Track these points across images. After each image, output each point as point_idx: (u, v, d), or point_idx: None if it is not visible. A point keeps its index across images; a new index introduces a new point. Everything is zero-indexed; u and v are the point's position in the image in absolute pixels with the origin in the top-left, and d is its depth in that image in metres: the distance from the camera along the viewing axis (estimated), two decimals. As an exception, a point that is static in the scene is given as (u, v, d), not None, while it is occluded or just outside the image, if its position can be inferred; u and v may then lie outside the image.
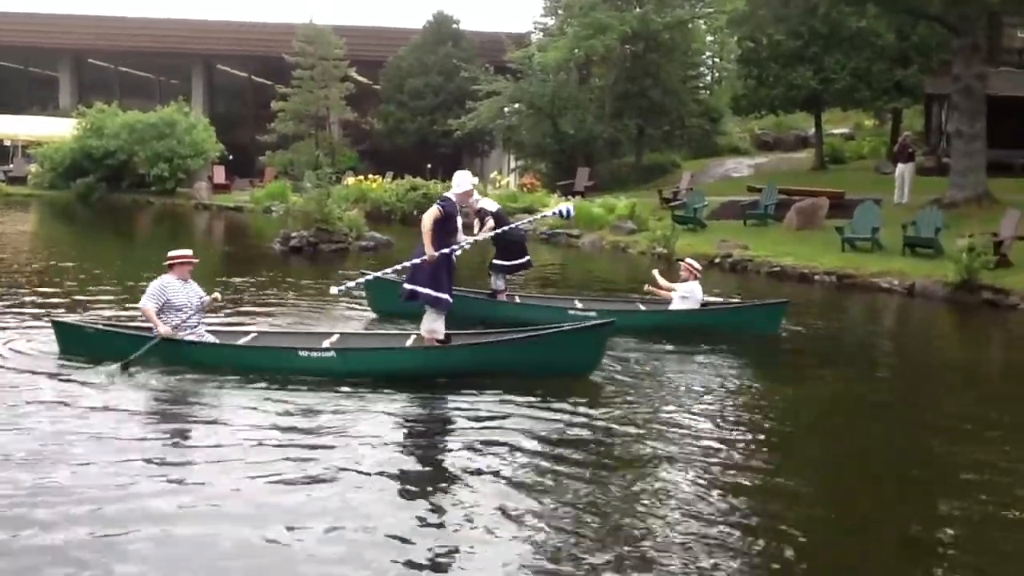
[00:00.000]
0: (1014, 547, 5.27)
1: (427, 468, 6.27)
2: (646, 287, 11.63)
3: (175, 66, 46.14)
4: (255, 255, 19.61)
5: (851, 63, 27.81)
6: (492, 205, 11.44)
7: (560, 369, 8.39)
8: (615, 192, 28.74)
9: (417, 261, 8.66)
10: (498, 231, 10.72)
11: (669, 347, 10.10)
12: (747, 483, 6.10)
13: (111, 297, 12.45)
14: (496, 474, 6.07)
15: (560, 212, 9.94)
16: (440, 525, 5.29)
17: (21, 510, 5.26)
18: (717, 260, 18.09)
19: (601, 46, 32.25)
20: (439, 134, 37.47)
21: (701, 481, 6.06)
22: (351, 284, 9.53)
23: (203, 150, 33.87)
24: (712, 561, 4.91)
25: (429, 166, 31.60)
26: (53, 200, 31.91)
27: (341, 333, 9.41)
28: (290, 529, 5.12)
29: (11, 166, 36.79)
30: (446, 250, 8.71)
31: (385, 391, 7.91)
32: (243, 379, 8.07)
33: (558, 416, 7.37)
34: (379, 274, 9.94)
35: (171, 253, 8.81)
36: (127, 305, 11.77)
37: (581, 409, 7.57)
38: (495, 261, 11.60)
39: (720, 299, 12.61)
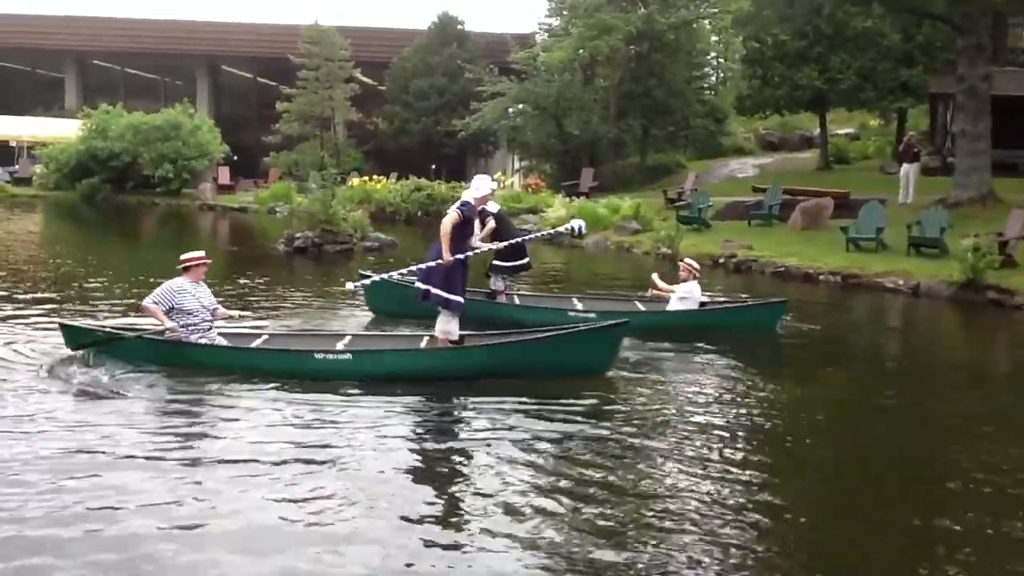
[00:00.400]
0: (1016, 547, 5.26)
1: (437, 468, 6.29)
2: (650, 292, 11.64)
3: (180, 67, 46.25)
4: (260, 256, 19.65)
5: (856, 63, 27.79)
6: (493, 206, 11.46)
7: (575, 369, 8.42)
8: (619, 192, 28.74)
9: (433, 264, 8.70)
10: (514, 242, 10.89)
11: (668, 347, 10.08)
12: (749, 482, 6.10)
13: (117, 298, 12.49)
14: (505, 472, 6.09)
15: (572, 228, 9.90)
16: (447, 524, 5.31)
17: (24, 514, 5.24)
18: (722, 260, 18.08)
19: (606, 46, 32.26)
20: (443, 135, 37.52)
21: (704, 480, 6.06)
22: (367, 281, 9.53)
23: (208, 151, 33.93)
24: (713, 560, 4.91)
25: (434, 167, 31.66)
26: (58, 201, 32.00)
27: (353, 335, 9.39)
28: (304, 530, 5.14)
29: (16, 167, 36.89)
30: (461, 255, 8.79)
31: (399, 391, 7.93)
32: (258, 381, 8.01)
33: (567, 416, 7.37)
34: (395, 274, 9.92)
35: (184, 256, 8.65)
36: (134, 305, 11.81)
37: (587, 410, 7.60)
38: (494, 262, 11.63)
39: (720, 299, 12.60)
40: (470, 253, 9.04)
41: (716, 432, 7.17)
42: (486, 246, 9.59)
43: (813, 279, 16.41)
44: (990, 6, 20.92)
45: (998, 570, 5.02)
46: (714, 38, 45.19)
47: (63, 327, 8.91)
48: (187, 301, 8.45)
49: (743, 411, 7.91)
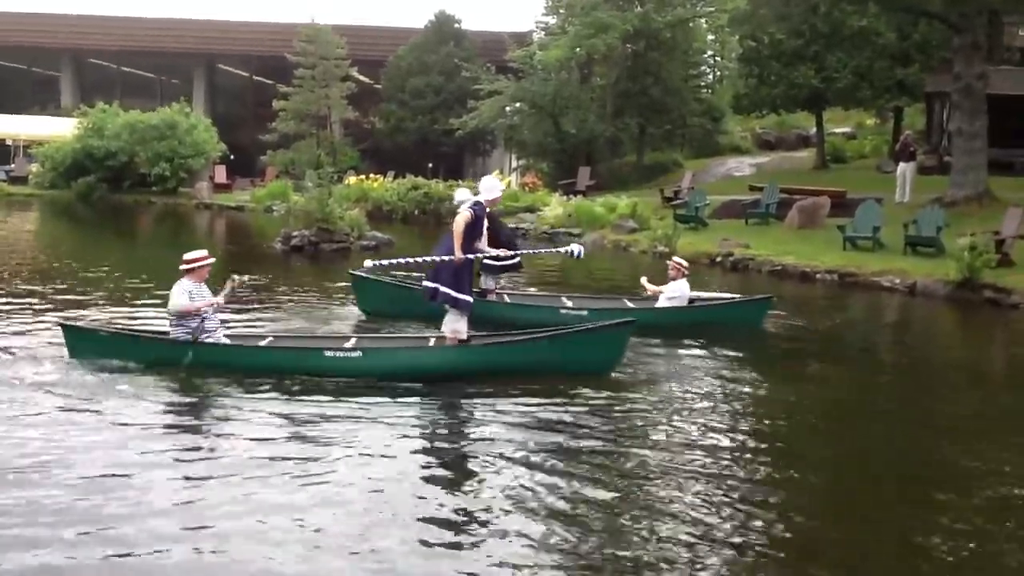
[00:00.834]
0: (1015, 547, 5.27)
1: (442, 468, 6.31)
2: (645, 293, 11.67)
3: (176, 66, 46.16)
4: (256, 254, 19.62)
5: (852, 62, 27.81)
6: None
7: (583, 367, 8.45)
8: (617, 191, 28.75)
9: (446, 258, 8.74)
10: (521, 253, 11.46)
11: (658, 345, 10.06)
12: (747, 482, 6.11)
13: (113, 298, 12.45)
14: (510, 470, 6.13)
15: (571, 252, 9.87)
16: (452, 522, 5.33)
17: (23, 519, 5.21)
18: (719, 259, 18.10)
19: (603, 45, 32.27)
20: (440, 133, 37.47)
21: (704, 480, 6.07)
22: (384, 263, 9.55)
23: (204, 150, 33.88)
24: (712, 559, 4.93)
25: (430, 165, 31.63)
26: (54, 200, 31.92)
27: (359, 336, 9.40)
28: (312, 534, 5.14)
29: (12, 166, 36.79)
30: (471, 256, 8.85)
31: (400, 391, 7.94)
32: (262, 382, 7.98)
33: (567, 416, 7.39)
34: (411, 259, 9.92)
35: (187, 256, 8.46)
36: (133, 304, 11.81)
37: (588, 408, 7.61)
38: (485, 261, 11.62)
39: (704, 294, 12.58)
40: (479, 255, 9.10)
41: (715, 432, 7.18)
42: (493, 251, 9.63)
43: (810, 278, 16.43)
44: (986, 5, 20.94)
45: (997, 570, 5.03)
46: (711, 37, 45.24)
47: (64, 328, 8.79)
48: (194, 303, 8.40)
49: (741, 411, 7.93)
